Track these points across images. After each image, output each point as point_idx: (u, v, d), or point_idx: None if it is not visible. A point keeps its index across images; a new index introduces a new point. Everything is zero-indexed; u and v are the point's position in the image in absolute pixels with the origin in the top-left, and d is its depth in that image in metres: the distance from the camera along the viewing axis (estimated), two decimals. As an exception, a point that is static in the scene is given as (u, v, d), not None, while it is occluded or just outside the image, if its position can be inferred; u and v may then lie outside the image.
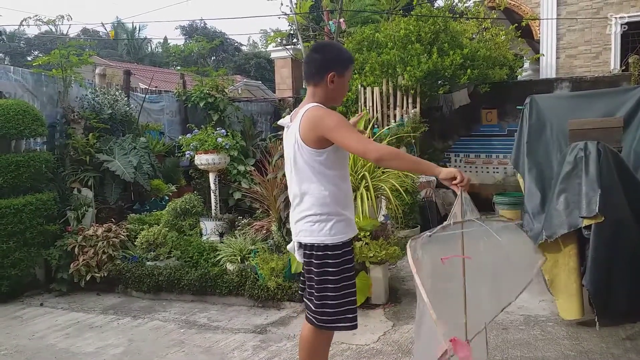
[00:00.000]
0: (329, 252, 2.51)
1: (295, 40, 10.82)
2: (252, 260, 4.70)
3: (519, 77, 10.62)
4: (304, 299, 2.71)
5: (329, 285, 2.51)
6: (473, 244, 2.35)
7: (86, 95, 6.47)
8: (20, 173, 5.11)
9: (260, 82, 19.04)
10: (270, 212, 5.17)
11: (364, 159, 4.70)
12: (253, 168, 6.27)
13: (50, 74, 6.07)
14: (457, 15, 8.94)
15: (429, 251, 2.30)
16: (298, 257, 2.66)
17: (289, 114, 2.72)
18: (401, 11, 8.42)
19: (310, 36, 9.14)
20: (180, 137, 6.60)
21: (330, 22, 6.75)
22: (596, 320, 3.49)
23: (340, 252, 2.53)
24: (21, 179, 5.14)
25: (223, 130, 6.17)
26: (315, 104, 2.52)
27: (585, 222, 3.31)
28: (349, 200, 2.65)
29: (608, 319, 3.56)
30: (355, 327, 2.59)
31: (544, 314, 4.00)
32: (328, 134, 2.42)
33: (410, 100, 7.31)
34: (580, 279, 3.51)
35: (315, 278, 2.53)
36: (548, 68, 10.70)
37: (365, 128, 5.08)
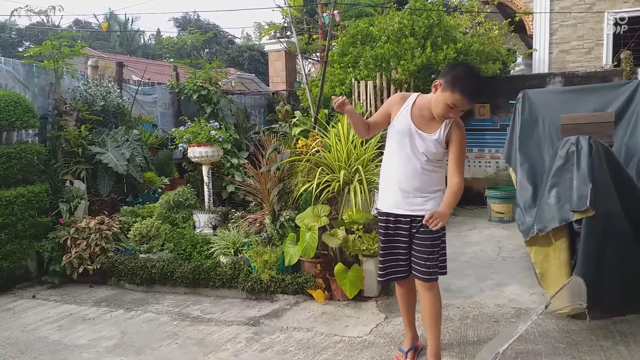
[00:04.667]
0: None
1: (289, 33, 10.78)
2: (246, 253, 4.71)
3: (511, 71, 10.65)
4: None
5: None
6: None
7: (78, 86, 6.42)
8: (11, 165, 5.08)
9: (253, 75, 19.02)
10: (264, 205, 5.17)
11: (357, 152, 4.73)
12: (246, 161, 6.25)
13: (42, 65, 6.02)
14: (451, 10, 8.94)
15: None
16: None
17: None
18: (395, 5, 8.40)
19: (304, 29, 9.10)
20: (173, 130, 6.57)
21: (325, 15, 6.73)
22: (586, 313, 3.53)
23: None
24: (12, 170, 5.11)
25: (216, 123, 6.16)
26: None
27: (576, 216, 3.33)
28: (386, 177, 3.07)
29: (598, 312, 3.60)
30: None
31: (534, 307, 4.03)
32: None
33: (403, 94, 7.29)
34: (570, 273, 3.54)
35: None
36: (541, 63, 10.73)
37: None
